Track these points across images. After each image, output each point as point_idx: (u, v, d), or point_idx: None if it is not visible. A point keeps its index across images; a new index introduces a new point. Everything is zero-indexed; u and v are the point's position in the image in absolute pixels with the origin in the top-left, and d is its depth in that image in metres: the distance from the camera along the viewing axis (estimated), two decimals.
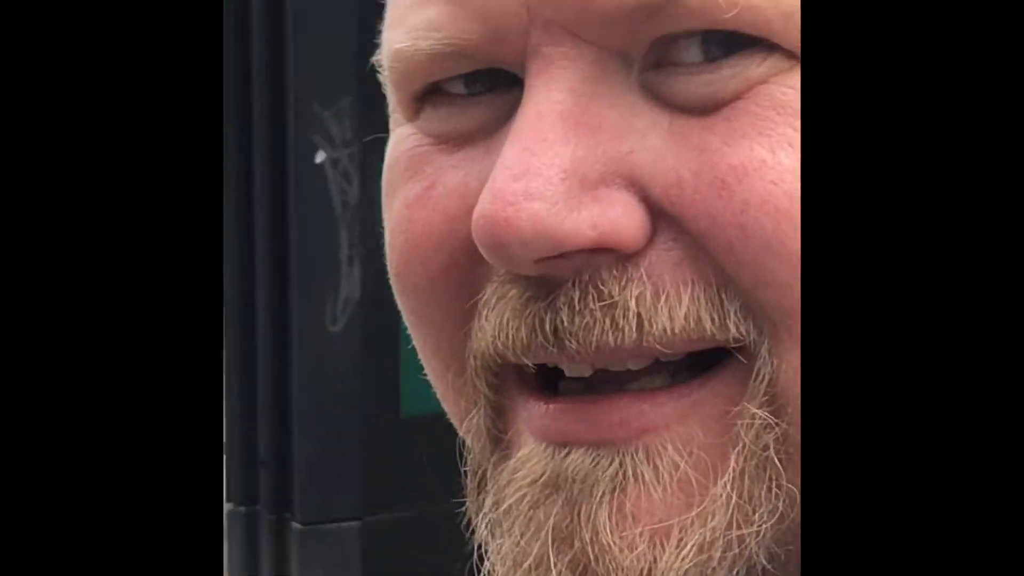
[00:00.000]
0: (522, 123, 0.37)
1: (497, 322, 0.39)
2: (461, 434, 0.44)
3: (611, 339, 0.38)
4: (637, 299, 0.37)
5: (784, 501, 0.38)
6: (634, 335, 0.38)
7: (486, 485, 0.42)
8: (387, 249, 0.43)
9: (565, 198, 0.37)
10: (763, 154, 0.36)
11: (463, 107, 0.41)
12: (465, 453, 0.44)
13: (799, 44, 0.36)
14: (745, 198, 0.36)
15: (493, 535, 0.41)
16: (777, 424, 0.37)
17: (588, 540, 0.37)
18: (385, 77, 0.43)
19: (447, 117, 0.41)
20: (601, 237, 0.37)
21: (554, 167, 0.37)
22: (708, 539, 0.37)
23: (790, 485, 0.37)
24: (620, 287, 0.38)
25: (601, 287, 0.38)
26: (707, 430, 0.38)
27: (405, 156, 0.42)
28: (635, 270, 0.38)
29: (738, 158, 0.36)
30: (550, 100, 0.37)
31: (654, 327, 0.37)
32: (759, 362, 0.38)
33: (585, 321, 0.38)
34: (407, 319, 0.44)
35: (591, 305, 0.38)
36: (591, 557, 0.37)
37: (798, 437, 0.37)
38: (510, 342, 0.39)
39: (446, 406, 0.45)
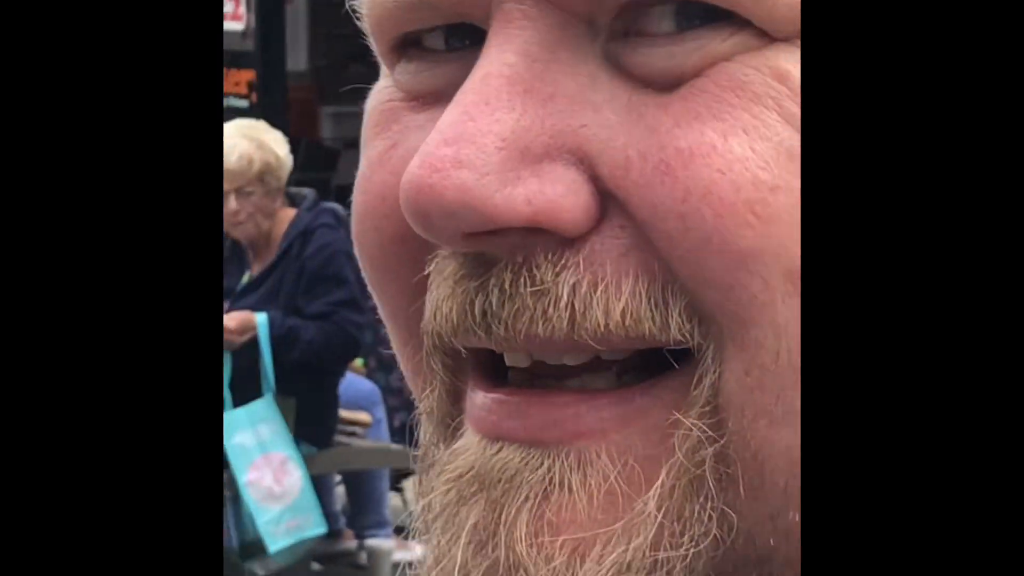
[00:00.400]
0: (467, 85, 0.37)
1: (434, 299, 0.40)
2: (417, 399, 0.45)
3: (540, 329, 0.37)
4: (573, 288, 0.37)
5: (720, 526, 0.37)
6: (564, 327, 0.37)
7: (425, 468, 0.43)
8: (353, 211, 0.44)
9: (499, 169, 0.36)
10: (714, 139, 0.36)
11: (436, 63, 0.41)
12: (416, 434, 0.45)
13: (773, 22, 0.36)
14: (687, 185, 0.36)
15: (427, 521, 0.41)
16: (716, 440, 0.37)
17: (505, 547, 0.38)
18: (363, 24, 0.44)
19: (418, 72, 0.42)
20: (536, 216, 0.36)
21: (491, 134, 0.36)
22: (629, 559, 0.37)
23: (727, 508, 0.37)
24: (554, 273, 0.37)
25: (535, 271, 0.38)
26: (646, 441, 0.38)
27: (377, 111, 0.43)
28: (574, 256, 0.37)
29: (686, 141, 0.36)
30: (501, 62, 0.37)
31: (586, 321, 0.37)
32: (701, 368, 0.37)
33: (515, 307, 0.38)
34: (374, 291, 0.45)
35: (521, 290, 0.38)
36: (508, 566, 0.38)
37: (738, 456, 0.37)
38: (444, 322, 0.39)
39: (408, 382, 0.46)
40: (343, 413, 4.75)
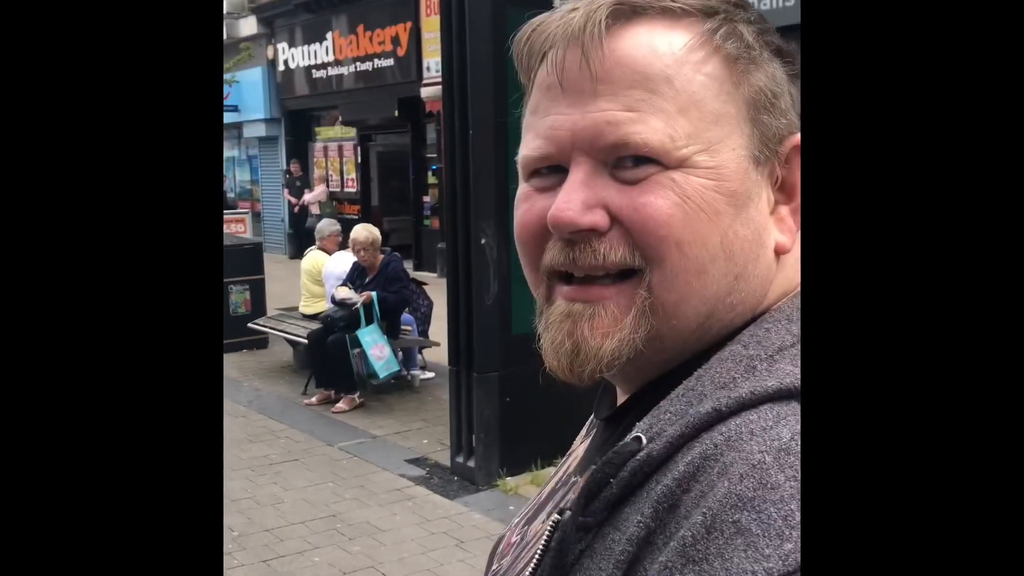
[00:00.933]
0: (566, 183, 0.76)
1: (551, 254, 0.79)
2: (535, 296, 0.84)
3: (591, 262, 0.76)
4: (602, 249, 0.76)
5: (649, 327, 0.76)
6: (599, 262, 0.76)
7: (541, 316, 0.82)
8: (514, 228, 0.83)
9: (580, 211, 0.75)
10: (650, 198, 0.74)
11: (546, 178, 0.80)
12: (535, 304, 0.83)
13: (671, 162, 0.75)
14: (643, 214, 0.74)
15: (544, 334, 0.81)
16: (649, 297, 0.76)
17: (578, 335, 0.77)
18: (518, 165, 0.83)
19: (539, 182, 0.81)
20: (592, 225, 0.75)
21: (578, 199, 0.75)
22: (623, 336, 0.76)
23: (653, 321, 0.76)
24: (598, 244, 0.76)
25: (591, 244, 0.76)
26: (626, 299, 0.76)
27: (522, 193, 0.83)
28: (604, 239, 0.76)
29: (642, 200, 0.74)
30: (577, 176, 0.76)
31: (607, 259, 0.76)
32: (646, 274, 0.75)
33: (583, 255, 0.76)
34: (520, 257, 0.82)
35: (585, 251, 0.76)
36: (579, 342, 0.77)
37: (657, 304, 0.75)
38: (554, 261, 0.79)
39: (532, 290, 0.83)
40: (402, 327, 8.01)
